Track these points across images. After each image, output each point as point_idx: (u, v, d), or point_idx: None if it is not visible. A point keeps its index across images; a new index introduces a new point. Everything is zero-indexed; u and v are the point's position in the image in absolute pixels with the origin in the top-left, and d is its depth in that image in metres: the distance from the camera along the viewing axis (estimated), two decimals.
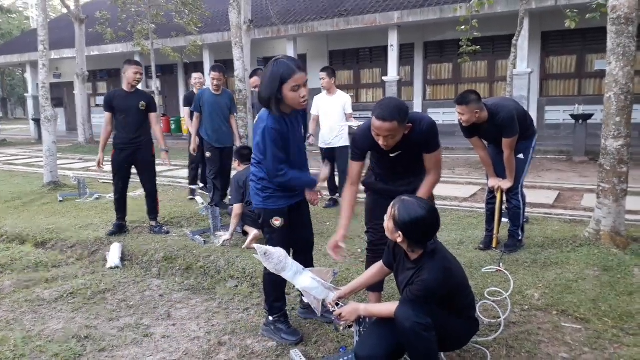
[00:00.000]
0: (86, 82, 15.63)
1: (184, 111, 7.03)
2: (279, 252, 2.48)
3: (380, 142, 2.59)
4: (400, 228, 2.27)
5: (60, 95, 21.77)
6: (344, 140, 6.07)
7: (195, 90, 6.74)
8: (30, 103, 21.21)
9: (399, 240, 2.30)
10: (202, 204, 5.21)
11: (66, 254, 4.88)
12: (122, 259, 4.59)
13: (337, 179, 6.45)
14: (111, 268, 4.40)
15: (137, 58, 16.91)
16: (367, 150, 2.86)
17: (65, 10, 19.48)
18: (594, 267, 3.85)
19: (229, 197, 5.66)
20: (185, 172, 9.69)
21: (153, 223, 5.35)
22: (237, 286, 3.90)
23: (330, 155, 6.13)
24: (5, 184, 9.06)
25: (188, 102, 6.86)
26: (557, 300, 3.36)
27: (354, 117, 6.24)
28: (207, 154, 5.98)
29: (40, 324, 3.31)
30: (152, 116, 5.25)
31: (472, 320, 2.49)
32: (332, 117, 6.03)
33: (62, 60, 19.65)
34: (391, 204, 2.35)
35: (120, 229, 5.23)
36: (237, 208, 4.73)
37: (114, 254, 4.56)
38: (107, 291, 3.87)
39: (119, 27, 14.97)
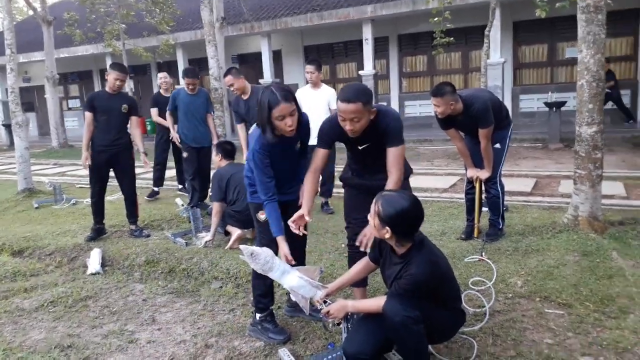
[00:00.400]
0: (57, 85, 15.27)
1: (152, 112, 6.98)
2: (265, 252, 2.46)
3: (347, 127, 2.58)
4: (387, 223, 2.26)
5: (31, 99, 21.26)
6: None
7: (162, 91, 6.65)
8: (11, 107, 20.61)
9: (387, 236, 2.30)
10: (182, 205, 5.14)
11: (45, 261, 4.77)
12: (103, 265, 4.51)
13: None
14: (92, 274, 4.32)
15: (108, 59, 16.64)
16: (333, 139, 2.84)
17: (31, 12, 19.01)
18: (574, 252, 3.92)
19: (210, 196, 5.59)
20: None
21: (133, 227, 5.27)
22: (221, 287, 3.86)
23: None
24: None
25: (155, 103, 6.86)
26: (540, 286, 3.41)
27: None
28: (184, 154, 5.90)
29: (21, 334, 3.23)
30: (134, 119, 5.24)
31: (458, 312, 2.51)
32: (316, 111, 5.51)
33: (31, 63, 19.18)
34: (373, 201, 2.35)
35: (98, 233, 5.13)
36: (217, 206, 4.67)
37: (94, 260, 4.48)
38: (89, 298, 3.80)
39: (88, 28, 14.65)
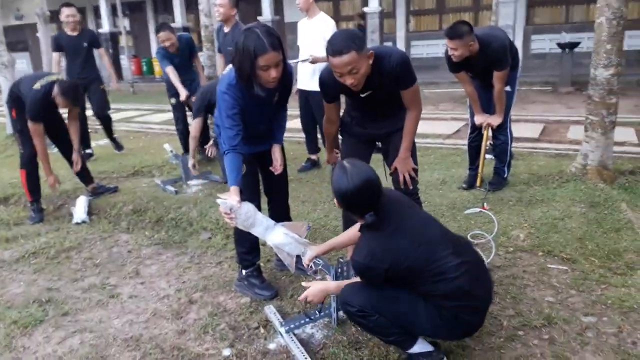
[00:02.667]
0: (49, 22, 14.65)
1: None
2: (246, 207, 2.25)
3: (347, 82, 2.30)
4: (334, 194, 2.00)
5: (24, 38, 20.58)
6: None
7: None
8: None
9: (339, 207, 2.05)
10: (171, 151, 4.93)
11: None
12: (89, 213, 4.35)
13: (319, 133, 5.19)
14: (77, 224, 4.17)
15: None
16: (337, 93, 2.58)
17: None
18: (581, 203, 3.72)
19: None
20: (157, 117, 9.33)
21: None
22: (210, 238, 3.71)
23: (305, 101, 4.93)
24: None
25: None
26: (543, 240, 3.24)
27: None
28: (172, 101, 5.52)
29: None
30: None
31: (448, 311, 1.97)
32: (310, 48, 4.68)
33: (22, 0, 18.41)
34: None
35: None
36: (196, 123, 4.41)
37: (80, 209, 4.31)
38: (72, 249, 3.66)
39: None
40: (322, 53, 4.52)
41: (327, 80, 2.53)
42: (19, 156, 4.36)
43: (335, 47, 2.25)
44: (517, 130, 6.13)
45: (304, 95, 4.90)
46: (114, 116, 9.86)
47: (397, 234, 1.95)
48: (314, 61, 4.58)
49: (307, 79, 4.78)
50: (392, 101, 2.58)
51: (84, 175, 4.64)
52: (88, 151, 6.16)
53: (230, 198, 2.28)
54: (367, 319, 2.01)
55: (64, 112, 4.35)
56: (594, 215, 3.54)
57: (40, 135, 4.10)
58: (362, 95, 2.51)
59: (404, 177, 2.69)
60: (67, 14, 5.91)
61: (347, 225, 2.75)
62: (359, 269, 1.97)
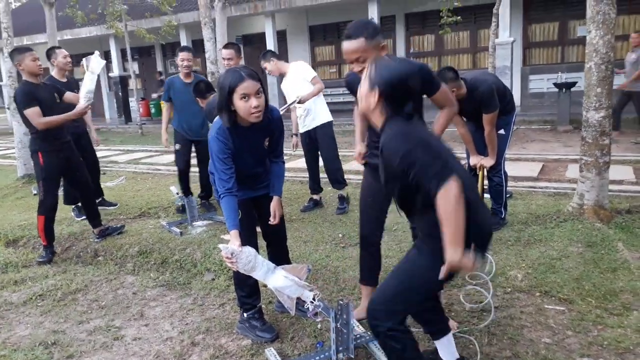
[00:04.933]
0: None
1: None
2: (247, 251, 2.34)
3: (356, 70, 2.34)
4: (377, 84, 1.93)
5: None
6: (321, 117, 4.93)
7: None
8: (5, 92, 20.63)
9: (372, 102, 1.94)
10: (177, 193, 5.05)
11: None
12: (96, 256, 4.45)
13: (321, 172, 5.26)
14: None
15: (111, 41, 16.48)
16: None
17: None
18: (578, 243, 3.78)
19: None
20: (164, 158, 9.52)
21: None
22: (213, 279, 3.78)
23: (308, 140, 5.04)
24: None
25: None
26: (541, 280, 3.29)
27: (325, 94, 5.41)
28: (176, 147, 5.44)
29: (6, 330, 3.17)
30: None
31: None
32: (295, 91, 4.86)
33: (36, 45, 18.99)
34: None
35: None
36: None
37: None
38: (78, 291, 3.73)
39: (89, 9, 14.46)
40: (307, 92, 4.80)
41: (352, 79, 2.63)
42: (39, 203, 4.39)
43: (348, 31, 2.28)
44: (517, 169, 6.25)
45: (306, 135, 5.03)
46: (123, 158, 10.13)
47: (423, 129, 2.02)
48: (301, 101, 4.77)
49: (304, 120, 4.97)
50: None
51: (93, 216, 4.73)
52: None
53: (231, 242, 2.37)
54: (396, 340, 2.03)
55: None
56: (591, 255, 3.59)
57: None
58: None
59: None
60: (65, 54, 5.64)
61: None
62: (386, 154, 1.90)
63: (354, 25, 2.30)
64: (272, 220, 2.78)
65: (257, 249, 2.69)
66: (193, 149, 5.48)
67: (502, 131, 4.17)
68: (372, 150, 2.71)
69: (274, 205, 2.79)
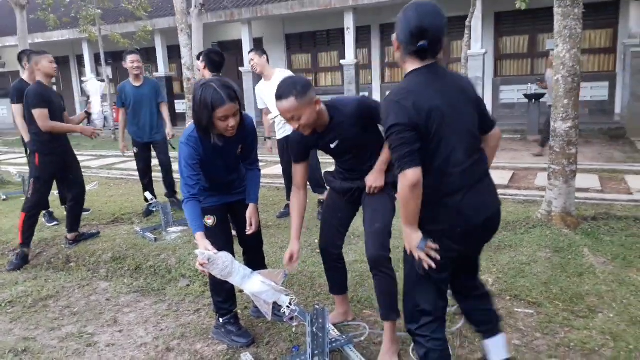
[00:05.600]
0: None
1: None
2: (224, 257, 2.35)
3: (294, 127, 2.40)
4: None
5: (6, 85, 20.67)
6: None
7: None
8: None
9: (395, 47, 1.97)
10: (151, 199, 5.01)
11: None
12: (68, 262, 4.37)
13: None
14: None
15: (84, 45, 16.23)
16: (303, 147, 2.63)
17: None
18: (546, 248, 3.90)
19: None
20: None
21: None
22: (188, 285, 3.76)
23: (285, 146, 5.00)
24: None
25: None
26: (510, 284, 3.38)
27: None
28: (135, 150, 5.55)
29: None
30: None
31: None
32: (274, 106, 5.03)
33: (6, 48, 18.65)
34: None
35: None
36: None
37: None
38: (50, 297, 3.67)
39: (62, 12, 14.23)
40: None
41: (295, 135, 2.59)
42: (25, 200, 4.48)
43: (277, 92, 2.34)
44: None
45: (282, 142, 5.03)
46: (96, 163, 9.97)
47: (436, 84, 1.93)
48: None
49: (285, 126, 4.92)
50: (366, 151, 2.61)
51: (76, 220, 4.72)
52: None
53: (200, 245, 2.41)
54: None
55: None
56: (558, 260, 3.71)
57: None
58: (332, 146, 2.60)
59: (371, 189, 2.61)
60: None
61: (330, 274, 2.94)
62: (385, 108, 1.91)
63: (281, 86, 2.34)
64: (249, 229, 2.80)
65: (233, 254, 2.70)
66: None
67: None
68: (340, 176, 2.78)
69: (249, 212, 2.81)
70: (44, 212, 5.45)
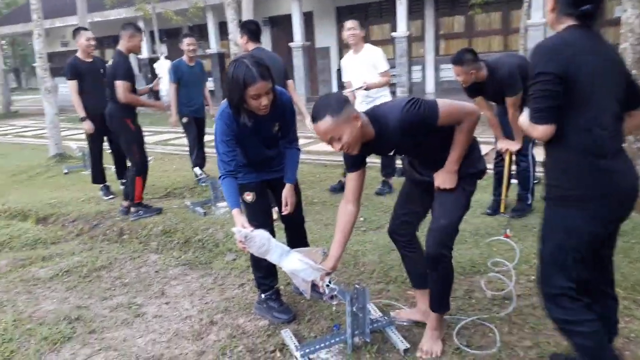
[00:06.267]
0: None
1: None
2: (261, 234, 2.33)
3: (336, 148, 2.19)
4: None
5: None
6: None
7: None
8: (38, 72, 21.12)
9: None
10: (201, 174, 5.10)
11: (67, 229, 4.84)
12: (121, 234, 4.53)
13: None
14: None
15: (140, 23, 16.59)
16: (361, 155, 2.32)
17: None
18: None
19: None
20: None
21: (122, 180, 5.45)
22: (234, 259, 3.80)
23: None
24: (14, 156, 9.08)
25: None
26: None
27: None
28: (184, 120, 5.88)
29: (33, 304, 3.26)
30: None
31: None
32: (362, 77, 4.72)
33: (68, 27, 19.36)
34: None
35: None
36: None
37: None
38: (103, 268, 3.81)
39: None
40: (375, 80, 4.73)
41: (346, 158, 2.37)
42: (135, 165, 4.79)
43: (312, 114, 2.15)
44: (541, 154, 6.06)
45: None
46: (152, 139, 10.27)
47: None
48: (368, 88, 4.70)
49: (360, 107, 4.78)
50: (430, 149, 2.36)
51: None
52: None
53: (237, 222, 2.38)
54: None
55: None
56: (620, 244, 3.44)
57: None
58: (390, 154, 2.43)
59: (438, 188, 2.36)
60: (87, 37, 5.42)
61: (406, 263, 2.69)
62: (537, 53, 1.83)
63: (315, 107, 2.13)
64: (284, 210, 2.75)
65: (272, 231, 2.69)
66: None
67: None
68: (412, 168, 2.54)
69: (285, 193, 2.74)
70: (101, 185, 5.68)
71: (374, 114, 2.24)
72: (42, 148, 9.57)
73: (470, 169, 2.37)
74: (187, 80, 5.69)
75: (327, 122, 2.08)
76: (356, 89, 4.78)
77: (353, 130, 2.11)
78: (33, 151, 9.55)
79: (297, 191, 2.88)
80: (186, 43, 5.69)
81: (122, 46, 4.63)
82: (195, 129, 5.91)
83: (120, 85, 4.52)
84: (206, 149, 6.15)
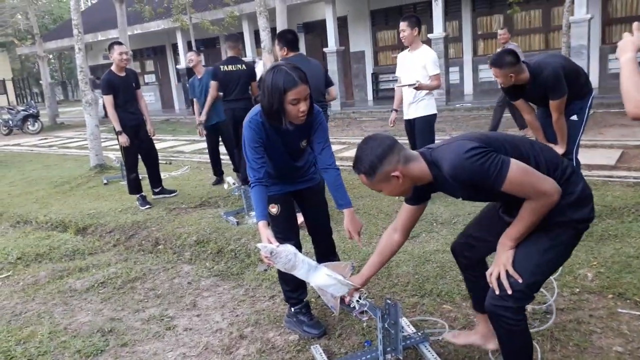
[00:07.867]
0: (132, 61, 15.84)
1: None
2: (286, 250, 2.27)
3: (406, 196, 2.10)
4: None
5: None
6: (422, 109, 4.79)
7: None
8: (81, 86, 21.89)
9: None
10: (234, 183, 5.11)
11: (104, 239, 4.93)
12: (157, 244, 4.58)
13: None
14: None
15: (177, 34, 16.99)
16: (418, 190, 2.10)
17: None
18: None
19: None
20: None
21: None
22: (266, 270, 3.77)
23: (410, 129, 4.99)
24: (58, 168, 9.39)
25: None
26: (614, 281, 3.00)
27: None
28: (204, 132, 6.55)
29: (68, 316, 3.32)
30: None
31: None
32: (414, 76, 4.70)
33: (110, 41, 20.03)
34: None
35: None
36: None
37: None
38: (137, 279, 3.85)
39: (157, 3, 14.98)
40: (426, 81, 4.68)
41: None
42: (243, 172, 5.00)
43: (354, 158, 2.00)
44: (591, 157, 5.79)
45: (407, 125, 5.02)
46: (189, 148, 10.44)
47: None
48: (418, 87, 4.65)
49: (408, 108, 4.91)
50: (505, 199, 1.99)
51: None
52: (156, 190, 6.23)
53: (262, 236, 2.33)
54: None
55: None
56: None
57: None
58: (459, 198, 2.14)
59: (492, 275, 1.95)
60: (120, 51, 5.45)
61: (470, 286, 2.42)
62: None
63: (357, 154, 1.98)
64: (358, 240, 2.59)
65: (298, 244, 2.63)
66: None
67: (574, 117, 3.84)
68: (500, 211, 2.15)
69: (346, 222, 2.56)
70: (137, 195, 5.78)
71: (431, 156, 1.94)
72: (84, 159, 9.85)
73: (571, 214, 1.90)
74: (202, 93, 6.43)
75: (362, 178, 1.99)
76: (407, 86, 4.75)
77: (392, 187, 1.96)
78: (76, 162, 9.85)
79: (323, 200, 2.82)
80: (188, 60, 6.61)
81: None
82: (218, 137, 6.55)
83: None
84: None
